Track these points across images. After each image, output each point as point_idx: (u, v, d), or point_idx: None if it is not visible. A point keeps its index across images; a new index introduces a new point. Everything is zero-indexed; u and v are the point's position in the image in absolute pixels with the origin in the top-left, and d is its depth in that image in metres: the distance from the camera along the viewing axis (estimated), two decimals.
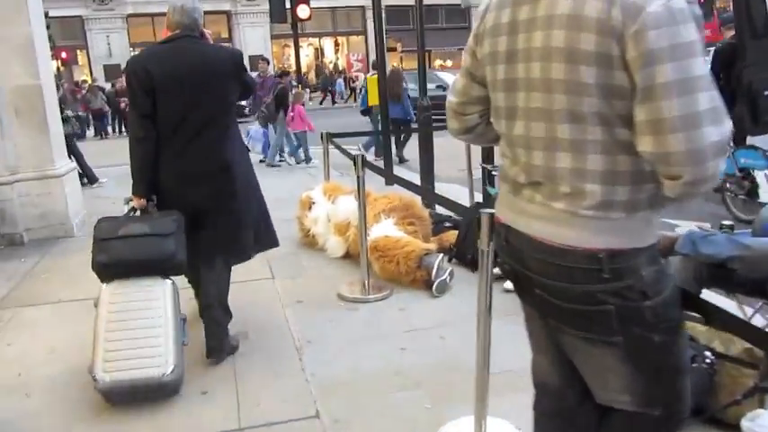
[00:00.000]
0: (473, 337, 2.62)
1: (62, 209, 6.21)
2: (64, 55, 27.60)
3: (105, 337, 2.96)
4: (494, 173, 5.51)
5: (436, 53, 33.21)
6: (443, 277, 4.22)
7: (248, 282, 4.63)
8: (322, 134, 6.03)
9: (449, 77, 16.16)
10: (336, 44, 34.10)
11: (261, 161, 11.10)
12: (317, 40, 33.15)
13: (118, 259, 3.08)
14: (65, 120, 9.45)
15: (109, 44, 28.64)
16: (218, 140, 3.27)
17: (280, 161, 10.85)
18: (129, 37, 29.19)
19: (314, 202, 5.48)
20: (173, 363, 2.94)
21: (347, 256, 5.09)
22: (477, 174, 6.19)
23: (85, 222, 6.66)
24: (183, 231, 3.17)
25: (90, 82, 24.89)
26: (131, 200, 3.31)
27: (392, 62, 33.05)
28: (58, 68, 31.92)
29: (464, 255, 4.72)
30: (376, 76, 8.48)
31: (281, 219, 6.75)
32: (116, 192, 8.90)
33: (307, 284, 4.57)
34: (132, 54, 28.99)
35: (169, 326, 3.04)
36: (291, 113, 10.36)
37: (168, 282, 3.17)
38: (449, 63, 33.70)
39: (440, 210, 5.57)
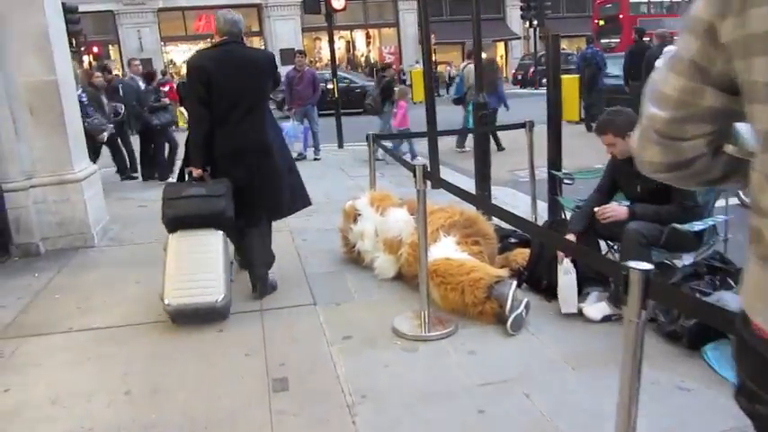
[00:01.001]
0: (567, 397, 2.06)
1: (81, 216, 5.66)
2: (96, 50, 27.45)
3: (172, 272, 3.78)
4: (566, 181, 4.78)
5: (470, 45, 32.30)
6: (519, 311, 3.52)
7: (286, 309, 4.00)
8: (368, 136, 5.36)
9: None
10: (368, 36, 33.37)
11: (296, 159, 10.52)
12: (348, 32, 32.48)
13: (182, 214, 3.91)
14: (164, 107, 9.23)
15: (140, 38, 28.43)
16: (258, 123, 4.09)
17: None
18: (160, 31, 28.95)
19: (359, 214, 4.81)
20: (223, 292, 3.76)
21: (398, 277, 4.42)
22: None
23: (107, 231, 6.12)
24: (231, 195, 3.98)
25: (121, 76, 24.68)
26: (191, 171, 4.06)
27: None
28: (89, 63, 31.95)
29: (537, 280, 4.02)
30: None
31: (319, 228, 6.27)
32: (143, 192, 8.45)
33: (354, 314, 3.91)
34: (162, 47, 28.97)
35: (220, 265, 3.83)
36: (395, 110, 10.20)
37: (220, 232, 3.95)
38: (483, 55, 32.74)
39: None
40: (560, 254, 3.65)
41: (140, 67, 8.93)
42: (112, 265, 5.15)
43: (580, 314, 3.63)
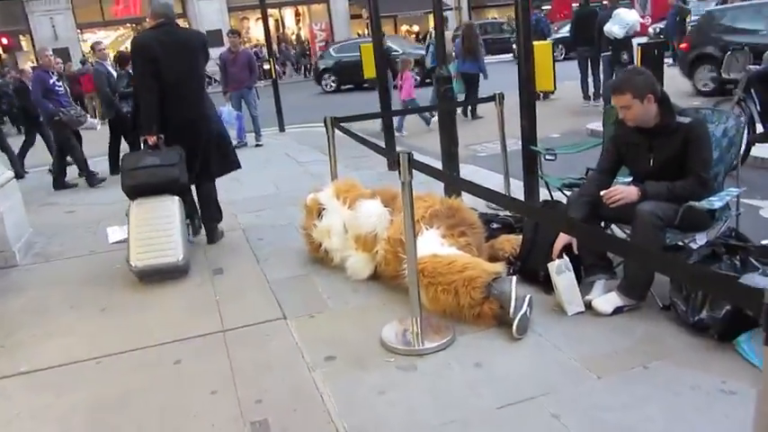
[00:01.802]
0: (603, 416, 2.11)
1: None
2: (5, 41, 25.48)
3: (135, 236, 4.23)
4: (548, 157, 4.38)
5: (402, 18, 31.86)
6: (524, 310, 3.10)
7: (253, 327, 3.45)
8: (326, 119, 4.79)
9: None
10: (297, 14, 32.29)
11: (235, 147, 9.81)
12: (276, 10, 31.28)
13: (140, 183, 4.35)
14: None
15: (54, 26, 26.49)
16: (199, 96, 4.75)
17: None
18: (75, 18, 27.07)
19: (324, 208, 4.28)
20: (182, 253, 4.25)
21: (374, 277, 3.94)
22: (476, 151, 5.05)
23: (31, 246, 5.36)
24: (185, 161, 4.50)
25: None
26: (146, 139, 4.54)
27: (356, 30, 31.59)
28: None
29: (532, 271, 3.60)
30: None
31: (274, 224, 5.72)
32: (70, 194, 7.62)
33: (333, 326, 3.41)
34: (79, 35, 27.14)
35: (178, 228, 4.30)
36: (400, 81, 10.19)
37: (176, 198, 4.42)
38: (415, 28, 32.32)
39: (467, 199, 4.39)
40: (557, 247, 3.24)
41: (52, 58, 7.99)
42: (40, 286, 4.45)
43: (587, 307, 3.25)
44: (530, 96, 4.86)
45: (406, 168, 2.92)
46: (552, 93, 10.93)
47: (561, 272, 3.23)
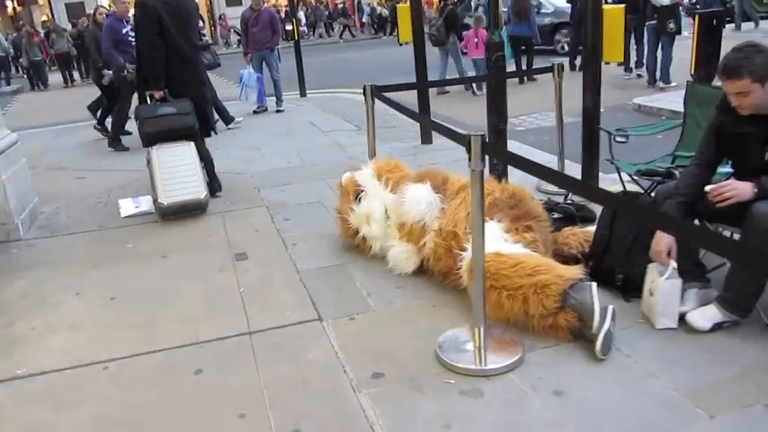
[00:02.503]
0: None
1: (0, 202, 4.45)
2: None
3: (161, 177, 4.65)
4: (619, 138, 3.83)
5: None
6: (608, 325, 2.60)
7: (283, 329, 2.99)
8: (365, 87, 4.24)
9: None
10: None
11: (255, 111, 9.30)
12: None
13: (160, 130, 4.75)
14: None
15: None
16: (197, 57, 5.20)
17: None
18: None
19: (362, 190, 3.77)
20: (205, 190, 4.76)
21: (420, 271, 3.45)
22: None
23: (36, 217, 4.92)
24: (195, 112, 4.92)
25: (49, 22, 22.37)
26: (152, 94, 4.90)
27: None
28: (14, 9, 29.01)
29: (608, 273, 3.10)
30: None
31: (301, 202, 5.04)
32: (85, 161, 7.14)
33: (377, 332, 2.93)
34: None
35: (198, 169, 4.80)
36: (476, 39, 10.02)
37: (191, 143, 4.85)
38: None
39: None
40: (661, 250, 2.72)
41: (128, 5, 7.29)
42: (44, 266, 4.00)
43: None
44: (595, 68, 4.30)
45: (479, 154, 2.40)
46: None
47: (671, 277, 2.72)
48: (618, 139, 3.79)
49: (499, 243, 3.00)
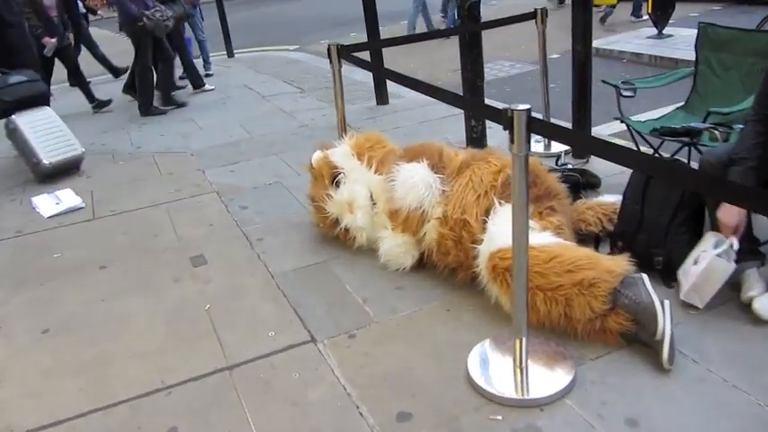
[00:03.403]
0: None
1: None
2: None
3: (35, 140, 4.74)
4: (625, 92, 3.36)
5: None
6: (671, 328, 2.17)
7: (271, 358, 2.42)
8: (330, 48, 3.56)
9: None
10: None
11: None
12: None
13: (16, 98, 4.80)
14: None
15: None
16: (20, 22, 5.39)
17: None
18: None
19: (340, 172, 3.18)
20: (80, 146, 4.99)
21: (420, 264, 2.94)
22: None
23: None
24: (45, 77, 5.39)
25: None
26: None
27: None
28: None
29: (644, 255, 2.66)
30: None
31: (258, 185, 4.17)
32: None
33: (388, 352, 2.40)
34: None
35: (65, 127, 4.98)
36: None
37: (47, 107, 5.02)
38: None
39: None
40: (733, 225, 2.30)
41: None
42: None
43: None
44: (586, 11, 3.80)
45: (524, 134, 1.86)
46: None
47: (726, 257, 2.31)
48: (625, 93, 3.33)
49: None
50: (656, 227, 2.66)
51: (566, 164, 3.77)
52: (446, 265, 2.78)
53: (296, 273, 3.05)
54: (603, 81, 3.40)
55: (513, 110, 1.84)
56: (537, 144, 4.37)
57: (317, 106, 6.30)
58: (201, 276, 3.11)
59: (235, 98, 7.02)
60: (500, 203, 2.62)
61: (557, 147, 4.27)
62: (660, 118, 3.37)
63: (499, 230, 2.51)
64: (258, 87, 7.49)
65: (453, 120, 5.33)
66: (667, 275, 2.61)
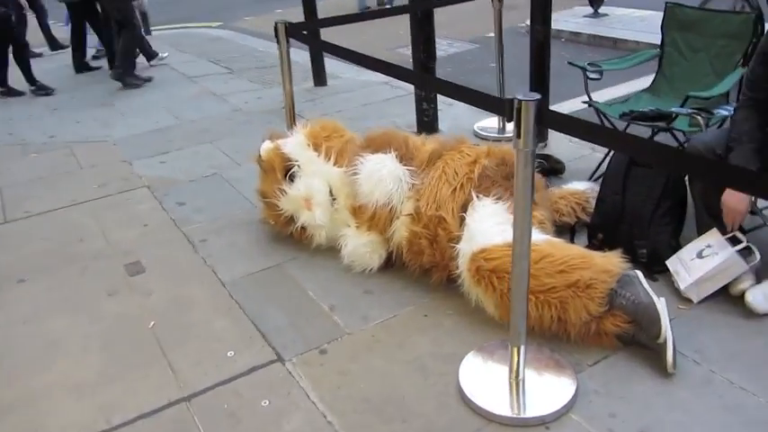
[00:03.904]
0: None
1: None
2: None
3: None
4: (591, 75, 3.21)
5: None
6: (670, 329, 2.03)
7: (235, 384, 2.12)
8: (278, 26, 3.18)
9: None
10: None
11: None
12: None
13: None
14: None
15: None
16: None
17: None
18: None
19: (294, 165, 2.87)
20: None
21: (388, 265, 2.70)
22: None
23: None
24: None
25: None
26: None
27: None
28: None
29: (627, 249, 2.51)
30: None
31: (194, 177, 3.70)
32: None
33: (367, 369, 2.15)
34: None
35: None
36: None
37: None
38: None
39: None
40: (743, 211, 2.18)
41: None
42: None
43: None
44: None
45: (532, 127, 1.63)
46: None
47: (740, 252, 2.22)
48: (591, 75, 3.17)
49: (507, 230, 2.30)
50: (639, 217, 2.52)
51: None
52: (419, 266, 2.55)
53: (249, 279, 2.74)
54: (570, 63, 3.24)
55: (520, 100, 1.61)
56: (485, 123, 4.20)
57: (249, 88, 5.89)
58: (140, 287, 2.75)
59: (158, 80, 6.47)
60: (478, 198, 2.41)
61: (510, 126, 4.11)
62: (625, 101, 3.24)
63: (480, 228, 2.31)
64: (182, 67, 6.96)
65: (399, 101, 5.09)
66: (651, 268, 2.48)
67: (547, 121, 1.63)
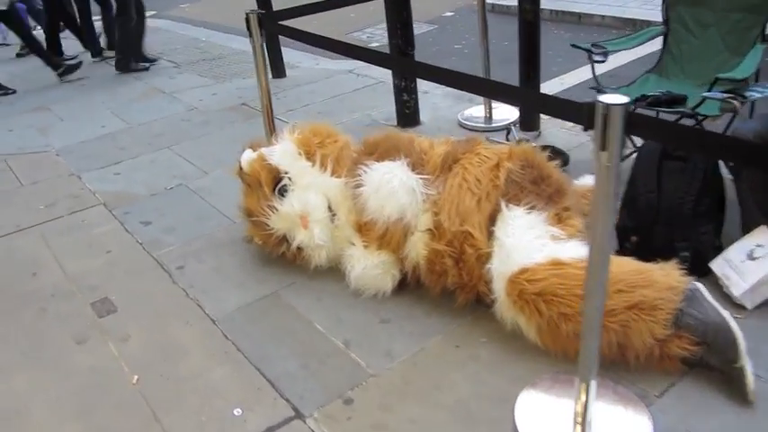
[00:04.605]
0: None
1: None
2: None
3: None
4: (597, 57, 2.95)
5: None
6: (744, 352, 1.81)
7: None
8: (249, 17, 2.75)
9: None
10: None
11: (19, 54, 7.00)
12: None
13: None
14: None
15: None
16: None
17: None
18: None
19: (284, 176, 2.51)
20: None
21: (403, 285, 2.39)
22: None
23: None
24: None
25: None
26: None
27: None
28: None
29: (666, 250, 2.29)
30: None
31: (156, 190, 3.26)
32: None
33: (406, 419, 1.85)
34: None
35: None
36: None
37: None
38: None
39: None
40: None
41: None
42: None
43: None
44: None
45: (619, 138, 1.34)
46: None
47: None
48: (596, 57, 2.91)
49: (548, 244, 2.03)
50: (679, 216, 2.29)
51: (525, 139, 3.36)
52: (442, 287, 2.25)
53: (244, 312, 2.38)
54: (573, 45, 2.97)
55: (606, 105, 1.31)
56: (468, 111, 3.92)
57: (200, 83, 5.41)
58: (114, 331, 2.35)
59: (96, 78, 5.90)
60: (507, 207, 2.12)
61: (499, 116, 3.85)
62: (631, 84, 3.01)
63: (516, 244, 2.03)
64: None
65: (369, 92, 4.74)
66: (695, 269, 2.26)
67: (637, 127, 1.34)
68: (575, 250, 1.98)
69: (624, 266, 1.93)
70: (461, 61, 5.67)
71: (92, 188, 3.56)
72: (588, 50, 2.92)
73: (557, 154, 3.16)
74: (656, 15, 5.76)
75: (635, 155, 2.45)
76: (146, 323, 2.37)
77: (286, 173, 2.49)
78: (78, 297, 2.57)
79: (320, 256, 2.49)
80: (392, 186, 2.24)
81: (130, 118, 4.67)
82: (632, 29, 5.92)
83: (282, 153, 2.52)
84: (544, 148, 3.13)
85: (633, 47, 3.00)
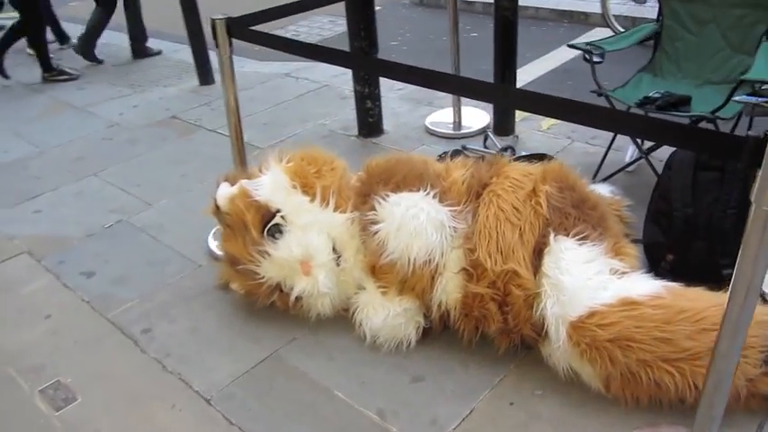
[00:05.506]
0: None
1: None
2: None
3: None
4: (596, 58, 2.73)
5: None
6: None
7: None
8: (215, 23, 2.25)
9: None
10: None
11: None
12: None
13: None
14: None
15: None
16: None
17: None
18: None
19: (276, 213, 2.10)
20: None
21: (426, 332, 2.06)
22: None
23: None
24: None
25: None
26: None
27: None
28: None
29: (706, 269, 2.11)
30: None
31: (94, 230, 2.73)
32: None
33: None
34: None
35: None
36: None
37: None
38: None
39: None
40: None
41: None
42: None
43: None
44: None
45: None
46: None
47: None
48: (595, 58, 2.70)
49: (612, 280, 1.77)
50: (720, 231, 2.11)
51: (510, 147, 3.12)
52: (481, 332, 1.95)
53: (243, 385, 1.97)
54: (570, 45, 2.74)
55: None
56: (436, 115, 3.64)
57: (115, 94, 4.78)
58: (80, 428, 1.86)
59: (40, 104, 5.07)
60: (555, 239, 1.84)
61: (469, 121, 3.59)
62: (625, 86, 2.82)
63: (576, 282, 1.75)
64: (13, 72, 5.54)
65: (315, 98, 4.34)
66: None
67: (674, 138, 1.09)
68: (644, 286, 1.74)
69: (701, 301, 1.71)
70: (404, 59, 5.36)
71: (8, 233, 2.95)
72: (588, 51, 2.70)
73: (543, 159, 2.94)
74: (592, 7, 5.78)
75: (665, 166, 2.24)
76: (120, 412, 1.90)
77: (278, 210, 2.09)
78: (21, 384, 2.05)
79: (323, 304, 2.12)
80: (419, 222, 1.90)
81: (38, 140, 4.01)
82: (569, 20, 5.88)
83: (273, 186, 2.11)
84: (537, 156, 2.93)
85: (629, 46, 2.81)
